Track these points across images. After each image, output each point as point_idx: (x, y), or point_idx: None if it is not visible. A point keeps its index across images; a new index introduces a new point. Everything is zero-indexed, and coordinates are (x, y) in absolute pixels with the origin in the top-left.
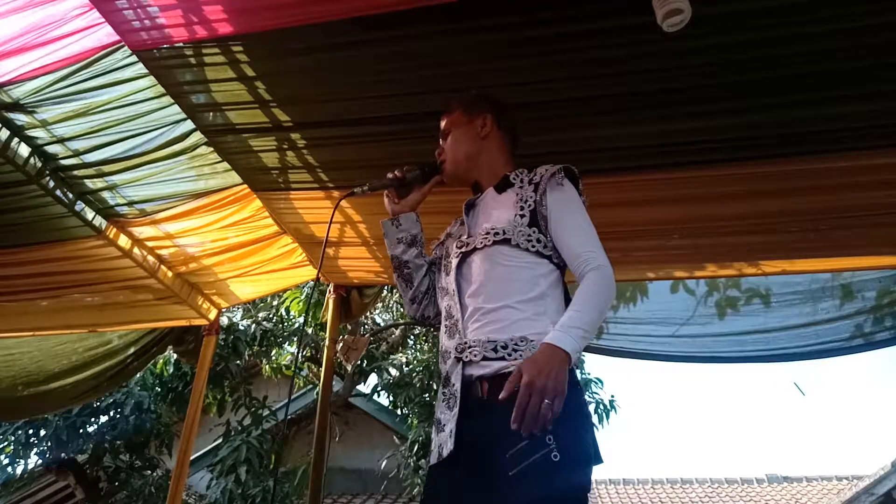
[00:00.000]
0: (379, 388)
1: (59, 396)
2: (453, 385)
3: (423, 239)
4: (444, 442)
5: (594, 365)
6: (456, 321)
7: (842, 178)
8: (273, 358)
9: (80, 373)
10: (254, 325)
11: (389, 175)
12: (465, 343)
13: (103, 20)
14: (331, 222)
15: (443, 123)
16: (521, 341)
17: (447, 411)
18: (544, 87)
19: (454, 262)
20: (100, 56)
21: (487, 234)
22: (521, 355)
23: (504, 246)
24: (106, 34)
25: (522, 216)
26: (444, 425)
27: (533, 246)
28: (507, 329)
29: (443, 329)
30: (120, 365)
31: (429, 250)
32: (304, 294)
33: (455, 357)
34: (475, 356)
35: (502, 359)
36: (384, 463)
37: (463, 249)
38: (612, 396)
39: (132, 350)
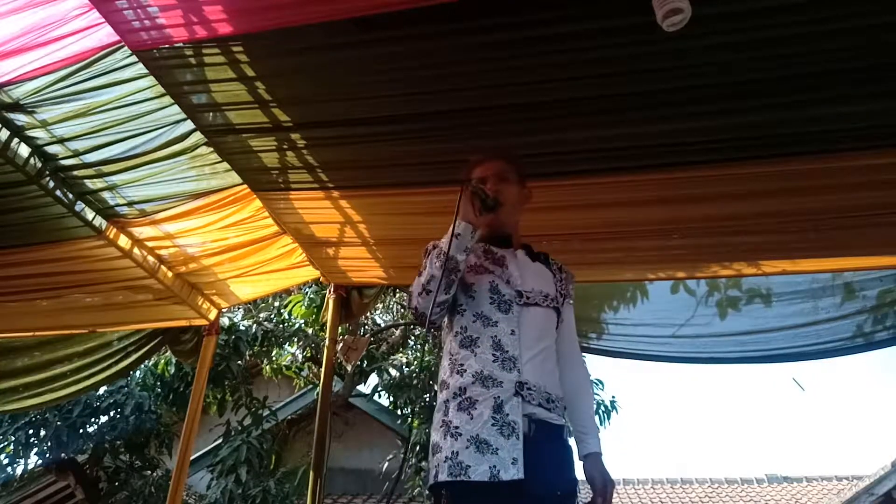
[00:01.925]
0: (379, 389)
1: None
2: (508, 415)
3: None
4: (501, 465)
5: (595, 366)
6: (512, 357)
7: (842, 178)
8: (274, 358)
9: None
10: (255, 326)
11: (487, 189)
12: (526, 382)
13: (103, 20)
14: (457, 210)
15: (498, 165)
16: (559, 400)
17: (499, 437)
18: (544, 87)
19: (517, 307)
20: (100, 56)
21: (546, 297)
22: (558, 413)
23: (554, 313)
24: (106, 34)
25: (561, 295)
26: (498, 450)
27: (559, 323)
28: (555, 386)
29: (489, 356)
30: (110, 360)
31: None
32: (307, 297)
33: (515, 392)
34: (533, 399)
35: (549, 410)
36: (385, 465)
37: (524, 301)
38: (613, 397)
39: (124, 346)
